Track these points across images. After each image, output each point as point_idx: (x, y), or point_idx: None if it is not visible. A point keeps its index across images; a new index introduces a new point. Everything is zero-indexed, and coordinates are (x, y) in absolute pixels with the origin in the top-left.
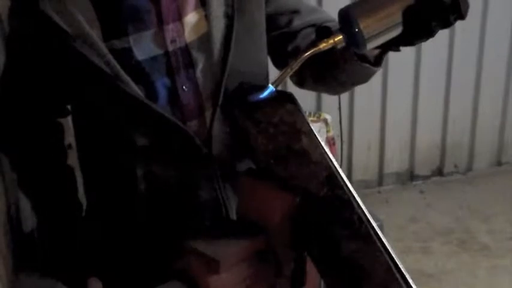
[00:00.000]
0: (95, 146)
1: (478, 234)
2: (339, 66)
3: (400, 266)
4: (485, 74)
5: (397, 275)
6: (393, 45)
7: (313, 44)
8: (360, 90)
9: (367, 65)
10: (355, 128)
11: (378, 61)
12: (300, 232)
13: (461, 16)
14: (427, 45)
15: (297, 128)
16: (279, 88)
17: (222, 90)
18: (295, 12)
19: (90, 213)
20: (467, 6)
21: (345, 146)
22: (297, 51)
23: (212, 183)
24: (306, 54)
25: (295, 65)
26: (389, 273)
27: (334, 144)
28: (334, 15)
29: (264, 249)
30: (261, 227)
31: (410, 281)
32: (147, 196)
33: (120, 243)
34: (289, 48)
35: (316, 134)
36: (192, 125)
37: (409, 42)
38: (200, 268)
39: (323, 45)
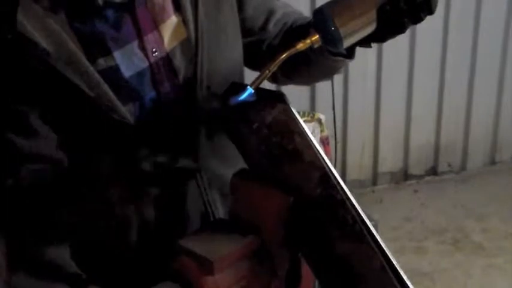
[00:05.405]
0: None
1: (472, 234)
2: (311, 63)
3: (396, 265)
4: (479, 73)
5: (391, 275)
6: (365, 41)
7: (291, 44)
8: (354, 90)
9: (340, 58)
10: (349, 128)
11: (349, 54)
12: (294, 232)
13: (431, 12)
14: (421, 45)
15: (290, 128)
16: (274, 88)
17: (201, 94)
18: (271, 11)
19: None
20: (436, 2)
21: (339, 146)
22: (272, 50)
23: (201, 195)
24: (284, 55)
25: (273, 67)
26: (384, 272)
27: (328, 144)
28: None
29: (258, 250)
30: (255, 228)
31: (406, 280)
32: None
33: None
34: (264, 47)
35: (309, 134)
36: (180, 136)
37: (381, 39)
38: (194, 269)
39: (300, 46)
